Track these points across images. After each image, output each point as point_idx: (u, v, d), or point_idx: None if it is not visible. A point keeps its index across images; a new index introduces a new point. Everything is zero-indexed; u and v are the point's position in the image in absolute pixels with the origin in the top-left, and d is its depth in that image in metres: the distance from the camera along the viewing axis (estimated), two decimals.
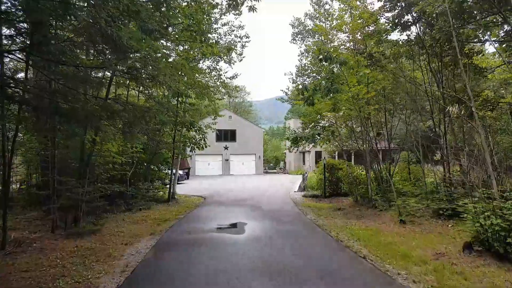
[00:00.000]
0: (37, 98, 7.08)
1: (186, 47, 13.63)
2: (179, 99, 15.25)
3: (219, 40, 17.96)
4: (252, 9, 9.64)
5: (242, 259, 6.35)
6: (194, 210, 13.01)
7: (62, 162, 9.24)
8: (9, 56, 7.61)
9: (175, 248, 7.33)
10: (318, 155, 33.86)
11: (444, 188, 9.75)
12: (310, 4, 31.50)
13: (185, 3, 11.47)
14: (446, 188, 9.63)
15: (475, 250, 6.20)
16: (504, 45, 10.47)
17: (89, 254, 6.54)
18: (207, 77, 18.14)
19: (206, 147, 16.68)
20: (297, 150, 16.96)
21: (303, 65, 31.84)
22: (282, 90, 37.13)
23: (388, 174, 11.90)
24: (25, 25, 6.61)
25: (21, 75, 10.37)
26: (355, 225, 9.29)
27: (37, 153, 10.02)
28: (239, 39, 19.87)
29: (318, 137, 13.67)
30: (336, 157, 22.76)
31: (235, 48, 19.11)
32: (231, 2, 9.82)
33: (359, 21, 11.94)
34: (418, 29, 10.96)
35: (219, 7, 15.66)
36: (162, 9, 8.85)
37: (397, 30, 11.07)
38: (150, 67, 7.57)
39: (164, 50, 10.58)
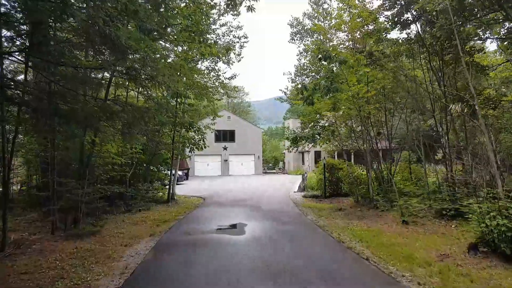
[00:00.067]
0: (36, 99, 7.06)
1: (185, 47, 13.59)
2: (178, 99, 15.20)
3: (217, 40, 17.90)
4: (250, 9, 9.61)
5: (242, 260, 6.29)
6: (193, 210, 12.94)
7: (62, 164, 9.22)
8: (9, 58, 7.62)
9: (175, 249, 7.28)
10: (317, 155, 33.74)
11: (446, 188, 9.67)
12: (309, 3, 31.52)
13: (184, 4, 11.44)
14: (449, 188, 9.56)
15: (480, 251, 6.11)
16: (505, 43, 10.44)
17: (89, 256, 6.50)
18: (205, 78, 18.08)
19: (205, 147, 16.68)
20: (296, 150, 16.86)
21: (302, 64, 31.81)
22: (281, 90, 37.00)
23: (389, 174, 11.83)
24: (25, 27, 6.62)
25: (20, 77, 10.33)
26: (356, 226, 9.21)
27: (37, 155, 10.00)
28: (237, 40, 19.82)
29: (318, 137, 13.62)
30: (336, 157, 22.68)
31: (234, 48, 19.04)
32: (229, 2, 9.79)
33: (358, 20, 11.90)
34: (418, 27, 10.93)
35: (217, 8, 15.63)
36: (161, 10, 8.82)
37: (397, 28, 11.05)
38: (149, 68, 7.54)
39: (163, 51, 10.54)
